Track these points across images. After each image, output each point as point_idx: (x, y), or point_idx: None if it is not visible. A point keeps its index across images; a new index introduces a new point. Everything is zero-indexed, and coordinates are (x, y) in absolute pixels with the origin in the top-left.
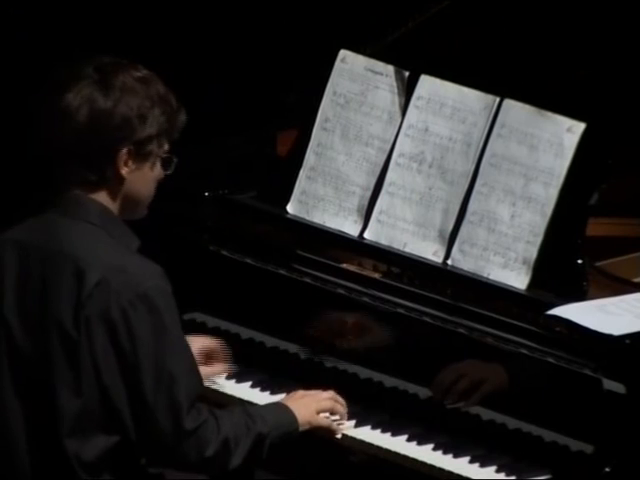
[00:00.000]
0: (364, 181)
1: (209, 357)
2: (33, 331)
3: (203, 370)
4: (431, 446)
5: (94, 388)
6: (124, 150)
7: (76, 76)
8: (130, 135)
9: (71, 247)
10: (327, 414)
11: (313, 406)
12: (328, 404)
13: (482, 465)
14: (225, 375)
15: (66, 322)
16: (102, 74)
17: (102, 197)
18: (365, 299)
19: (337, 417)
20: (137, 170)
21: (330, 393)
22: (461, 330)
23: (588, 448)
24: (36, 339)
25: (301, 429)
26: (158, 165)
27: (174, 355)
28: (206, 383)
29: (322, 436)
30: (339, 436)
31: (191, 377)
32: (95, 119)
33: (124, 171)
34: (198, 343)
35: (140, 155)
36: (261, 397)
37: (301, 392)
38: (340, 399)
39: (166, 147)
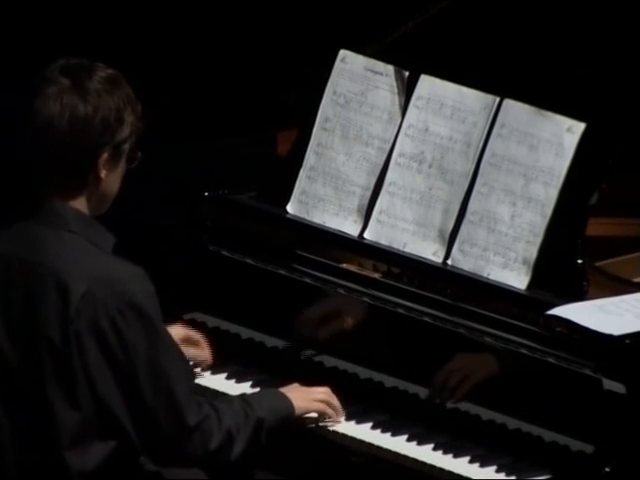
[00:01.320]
0: (364, 181)
1: (189, 342)
2: (21, 344)
3: (186, 351)
4: (431, 446)
5: (90, 400)
6: (105, 155)
7: (46, 83)
8: (111, 138)
9: (52, 259)
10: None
11: (309, 394)
12: (322, 396)
13: (482, 465)
14: (225, 375)
15: (54, 337)
16: (73, 78)
17: (80, 201)
18: (365, 299)
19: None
20: (112, 171)
21: (325, 389)
22: (461, 330)
23: (588, 448)
24: (24, 352)
25: (297, 413)
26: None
27: (167, 356)
28: (198, 373)
29: (320, 434)
30: (333, 427)
31: (185, 374)
32: (76, 127)
33: (103, 174)
34: (175, 331)
35: (117, 156)
36: None
37: (297, 385)
38: (334, 398)
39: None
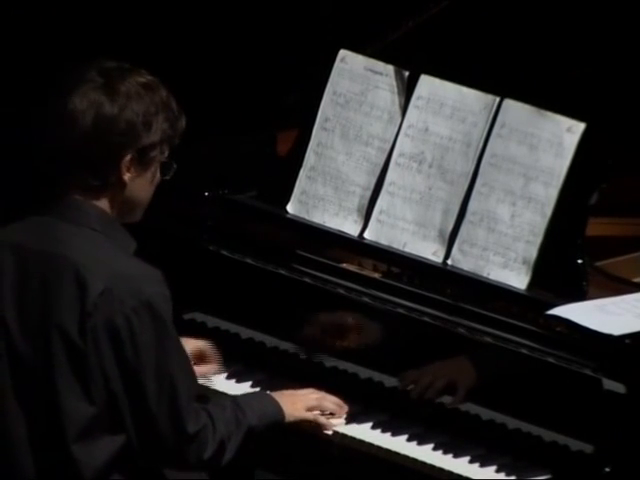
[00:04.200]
0: (364, 181)
1: (201, 358)
2: (34, 336)
3: (197, 369)
4: (431, 446)
5: (103, 395)
6: (128, 157)
7: (80, 80)
8: (134, 141)
9: (72, 253)
10: (317, 412)
11: (299, 404)
12: (315, 402)
13: (482, 465)
14: (225, 375)
15: (71, 331)
16: (107, 79)
17: (102, 202)
18: (365, 299)
19: (328, 415)
20: (139, 176)
21: (320, 393)
22: (461, 330)
23: (588, 448)
24: (37, 344)
25: (287, 420)
26: (158, 170)
27: (175, 360)
28: (205, 382)
29: (315, 434)
30: (329, 432)
31: (190, 380)
32: (100, 124)
33: (126, 177)
34: (190, 345)
35: (143, 162)
36: None
37: (289, 391)
38: (332, 398)
39: (167, 153)
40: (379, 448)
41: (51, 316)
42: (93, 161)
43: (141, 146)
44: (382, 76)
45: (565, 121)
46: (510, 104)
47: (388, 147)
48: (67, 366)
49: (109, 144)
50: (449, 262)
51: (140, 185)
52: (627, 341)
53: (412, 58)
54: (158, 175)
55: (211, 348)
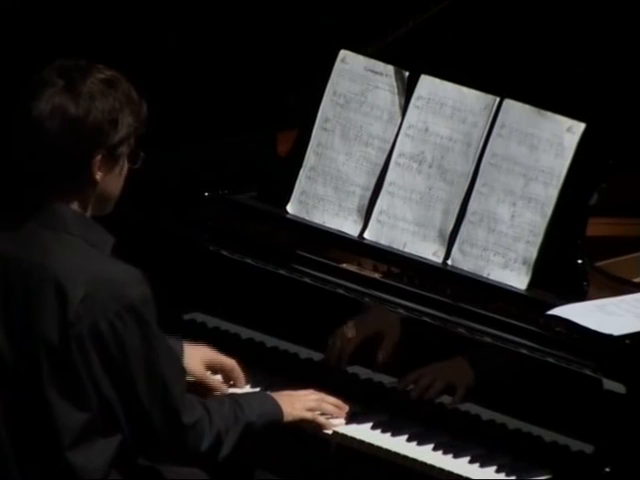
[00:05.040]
0: (364, 181)
1: (223, 373)
2: (19, 345)
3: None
4: (431, 446)
5: (95, 401)
6: (98, 156)
7: (41, 83)
8: (104, 141)
9: (51, 261)
10: (317, 412)
11: (298, 404)
12: (314, 403)
13: (482, 465)
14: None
15: (52, 340)
16: (67, 80)
17: (77, 203)
18: (365, 299)
19: (328, 416)
20: (109, 173)
21: (319, 394)
22: (461, 330)
23: (588, 448)
24: (22, 352)
25: (285, 420)
26: (126, 162)
27: (163, 359)
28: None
29: (315, 434)
30: (329, 432)
31: (180, 375)
32: (67, 129)
33: (98, 176)
34: (206, 356)
35: (113, 159)
36: None
37: (289, 392)
38: (332, 399)
39: (133, 144)
40: (379, 448)
41: (34, 326)
42: (64, 165)
43: (110, 144)
44: (382, 76)
45: (565, 121)
46: (510, 104)
47: (388, 147)
48: (56, 377)
49: (78, 147)
50: (449, 262)
51: (111, 180)
52: (627, 341)
53: (412, 58)
54: (126, 166)
55: (237, 369)
